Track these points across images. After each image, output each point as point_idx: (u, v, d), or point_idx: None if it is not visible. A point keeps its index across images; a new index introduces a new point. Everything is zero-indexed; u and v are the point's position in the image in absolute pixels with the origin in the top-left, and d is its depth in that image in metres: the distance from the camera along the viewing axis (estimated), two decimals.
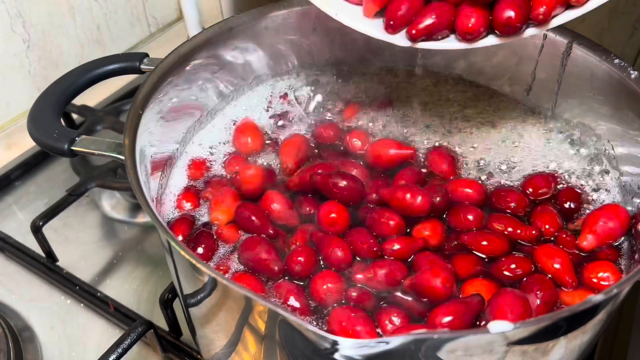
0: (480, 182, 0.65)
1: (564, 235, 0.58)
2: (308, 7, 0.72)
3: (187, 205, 0.63)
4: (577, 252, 0.57)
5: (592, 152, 0.66)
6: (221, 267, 0.57)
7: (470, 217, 0.60)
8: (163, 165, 0.65)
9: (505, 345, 0.41)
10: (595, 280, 0.55)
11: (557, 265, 0.55)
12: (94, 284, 0.74)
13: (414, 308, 0.53)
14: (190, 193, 0.64)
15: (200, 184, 0.66)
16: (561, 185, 0.64)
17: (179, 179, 0.66)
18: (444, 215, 0.61)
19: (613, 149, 0.64)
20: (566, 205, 0.61)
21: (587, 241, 0.57)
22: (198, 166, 0.67)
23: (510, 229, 0.59)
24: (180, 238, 0.60)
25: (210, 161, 0.68)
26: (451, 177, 0.65)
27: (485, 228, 0.60)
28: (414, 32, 0.58)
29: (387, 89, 0.77)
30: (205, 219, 0.62)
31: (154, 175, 0.62)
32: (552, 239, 0.59)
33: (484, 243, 0.57)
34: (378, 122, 0.73)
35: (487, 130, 0.71)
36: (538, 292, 0.52)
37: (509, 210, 0.61)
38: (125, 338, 0.64)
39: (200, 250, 0.58)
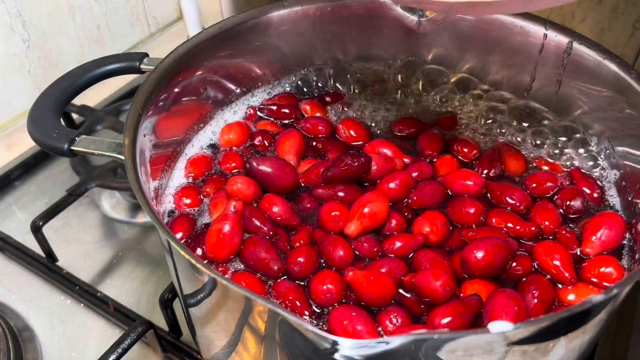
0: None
1: (564, 232, 0.59)
2: (308, 7, 0.72)
3: (187, 202, 0.63)
4: (577, 250, 0.58)
5: (592, 151, 0.66)
6: (220, 268, 0.57)
7: (471, 211, 0.60)
8: (163, 165, 0.65)
9: (505, 345, 0.41)
10: (595, 279, 0.55)
11: (556, 262, 0.55)
12: (94, 284, 0.74)
13: (413, 306, 0.53)
14: (190, 190, 0.64)
15: (200, 183, 0.66)
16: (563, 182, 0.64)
17: (178, 179, 0.66)
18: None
19: (613, 148, 0.64)
20: (567, 204, 0.61)
21: (591, 248, 0.57)
22: (198, 165, 0.67)
23: (509, 225, 0.59)
24: (180, 235, 0.60)
25: (210, 160, 0.68)
26: (428, 152, 0.68)
27: (484, 224, 0.60)
28: None
29: (384, 84, 0.77)
30: (205, 219, 0.62)
31: (154, 175, 0.62)
32: (550, 237, 0.59)
33: None
34: (370, 111, 0.74)
35: (485, 126, 0.71)
36: (535, 292, 0.52)
37: (509, 207, 0.61)
38: (125, 338, 0.64)
39: (199, 251, 0.58)
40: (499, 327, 0.39)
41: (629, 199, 0.61)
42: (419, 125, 0.72)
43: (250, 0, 1.06)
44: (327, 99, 0.76)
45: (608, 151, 0.65)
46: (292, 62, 0.77)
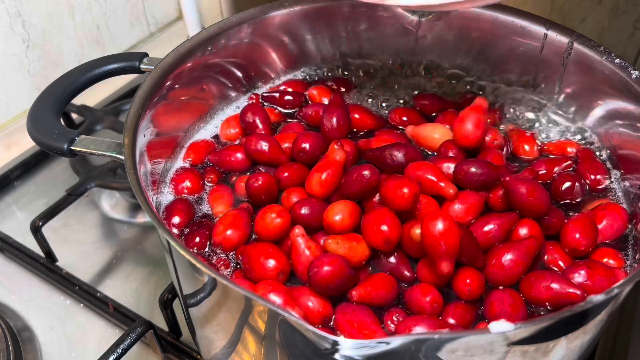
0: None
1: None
2: (308, 6, 0.72)
3: (188, 185, 0.63)
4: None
5: (594, 150, 0.66)
6: (222, 264, 0.57)
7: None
8: (163, 164, 0.65)
9: (505, 345, 0.41)
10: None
11: (560, 263, 0.55)
12: (94, 284, 0.74)
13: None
14: (190, 174, 0.64)
15: (201, 170, 0.66)
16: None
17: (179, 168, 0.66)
18: None
19: (614, 148, 0.64)
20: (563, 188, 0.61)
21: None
22: (198, 150, 0.67)
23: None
24: (177, 221, 0.59)
25: (213, 146, 0.69)
26: None
27: None
28: None
29: (386, 85, 0.77)
30: (204, 208, 0.62)
31: (154, 175, 0.62)
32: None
33: None
34: (380, 99, 0.75)
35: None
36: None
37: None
38: (125, 338, 0.63)
39: (198, 239, 0.58)
40: (500, 327, 0.39)
41: (631, 198, 0.61)
42: (440, 103, 0.71)
43: (250, 0, 1.06)
44: (334, 86, 0.76)
45: (610, 151, 0.65)
46: (293, 60, 0.77)
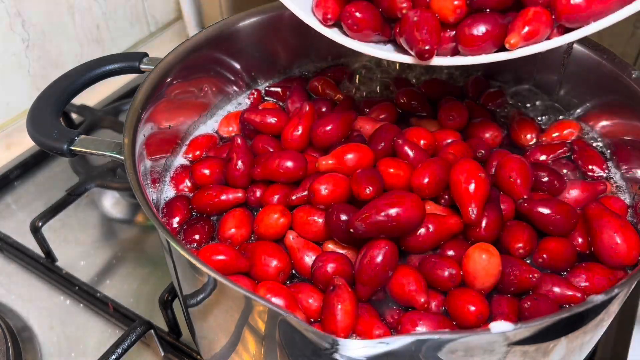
0: None
1: None
2: None
3: (187, 183, 0.63)
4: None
5: (596, 150, 0.66)
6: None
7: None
8: (164, 162, 0.65)
9: (506, 345, 0.41)
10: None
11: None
12: (94, 284, 0.74)
13: None
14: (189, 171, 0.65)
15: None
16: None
17: (178, 166, 0.66)
18: None
19: (615, 147, 0.64)
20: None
21: None
22: (198, 148, 0.67)
23: None
24: (177, 219, 0.60)
25: (215, 140, 0.69)
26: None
27: None
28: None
29: (386, 86, 0.77)
30: None
31: (154, 173, 0.62)
32: None
33: None
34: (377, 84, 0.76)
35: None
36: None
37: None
38: (125, 338, 0.63)
39: (197, 236, 0.58)
40: (500, 327, 0.39)
41: (632, 198, 0.61)
42: (446, 88, 0.71)
43: (250, 0, 1.06)
44: (330, 74, 0.76)
45: (610, 150, 0.65)
46: (293, 57, 0.77)
